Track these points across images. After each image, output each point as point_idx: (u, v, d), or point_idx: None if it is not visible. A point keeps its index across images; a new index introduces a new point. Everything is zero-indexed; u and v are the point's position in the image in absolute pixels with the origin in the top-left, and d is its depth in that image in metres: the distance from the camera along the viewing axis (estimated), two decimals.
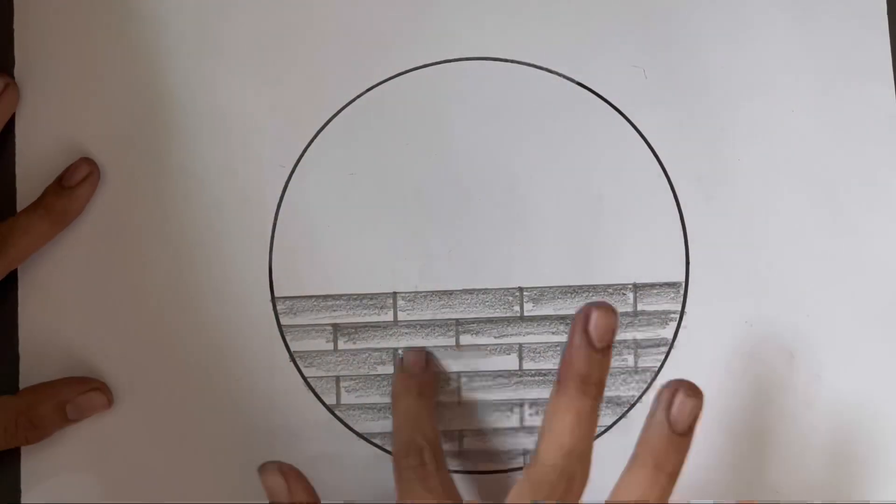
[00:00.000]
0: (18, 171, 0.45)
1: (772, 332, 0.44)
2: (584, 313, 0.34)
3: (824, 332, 0.44)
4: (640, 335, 0.44)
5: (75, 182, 0.43)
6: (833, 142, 0.44)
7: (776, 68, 0.44)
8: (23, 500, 0.44)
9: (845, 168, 0.44)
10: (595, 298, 0.44)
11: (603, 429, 0.44)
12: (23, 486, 0.44)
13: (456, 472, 0.44)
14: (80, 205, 0.43)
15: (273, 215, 0.45)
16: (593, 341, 0.34)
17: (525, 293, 0.44)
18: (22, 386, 0.44)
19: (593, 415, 0.35)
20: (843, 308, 0.44)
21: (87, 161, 0.44)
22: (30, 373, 0.44)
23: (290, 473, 0.37)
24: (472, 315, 0.44)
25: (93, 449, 0.44)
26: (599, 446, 0.44)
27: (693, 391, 0.34)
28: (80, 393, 0.43)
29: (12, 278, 0.44)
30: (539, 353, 0.44)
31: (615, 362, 0.44)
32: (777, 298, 0.44)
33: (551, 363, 0.44)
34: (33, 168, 0.45)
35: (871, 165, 0.44)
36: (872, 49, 0.44)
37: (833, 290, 0.44)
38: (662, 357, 0.44)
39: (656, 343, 0.44)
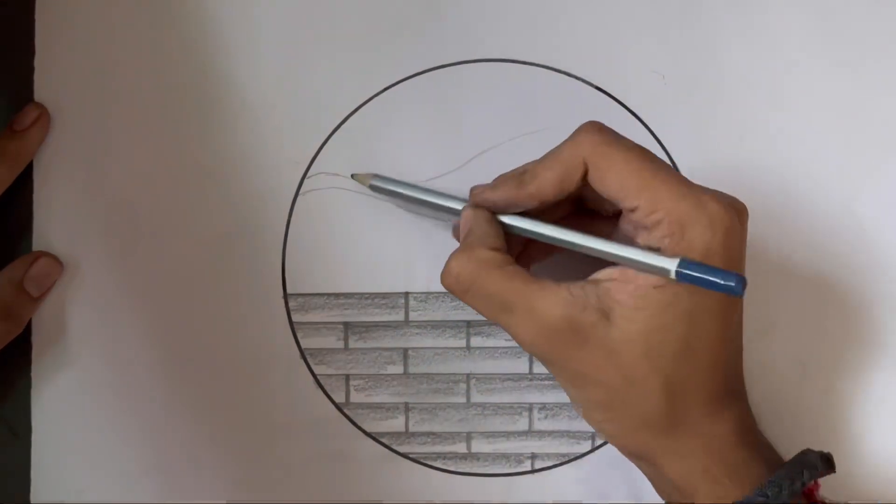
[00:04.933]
0: (36, 162, 0.45)
1: (784, 342, 0.43)
2: None
3: (837, 344, 0.43)
4: None
5: (26, 125, 0.44)
6: (853, 150, 0.44)
7: (794, 72, 0.44)
8: (32, 500, 0.45)
9: (865, 176, 0.44)
10: None
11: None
12: (32, 484, 0.45)
13: (463, 474, 0.44)
14: (32, 147, 0.44)
15: (287, 212, 0.45)
16: None
17: None
18: (34, 386, 0.45)
19: None
20: (857, 318, 0.43)
21: (37, 105, 0.45)
22: (42, 369, 0.45)
23: None
24: None
25: (101, 443, 0.45)
26: (604, 452, 0.44)
27: None
28: (29, 265, 0.43)
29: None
30: None
31: None
32: (790, 308, 0.43)
33: None
34: (52, 160, 0.45)
35: (889, 169, 0.44)
36: (891, 53, 0.44)
37: (848, 300, 0.44)
38: None
39: None
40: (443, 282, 0.37)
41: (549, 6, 0.44)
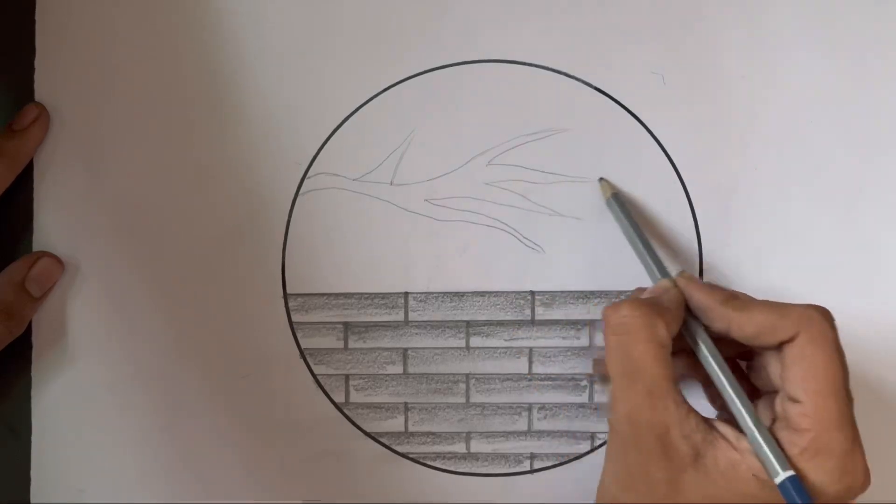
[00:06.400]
0: (36, 162, 0.45)
1: None
2: None
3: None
4: None
5: (25, 125, 0.44)
6: (851, 150, 0.44)
7: (794, 76, 0.44)
8: (31, 500, 0.45)
9: (862, 177, 0.44)
10: (605, 304, 0.44)
11: None
12: (32, 484, 0.45)
13: (462, 474, 0.44)
14: (31, 147, 0.44)
15: (287, 212, 0.45)
16: None
17: (537, 297, 0.44)
18: (34, 386, 0.45)
19: None
20: (858, 317, 0.44)
21: (37, 105, 0.45)
22: (42, 369, 0.45)
23: None
24: (483, 317, 0.44)
25: (100, 443, 0.45)
26: (603, 452, 0.44)
27: None
28: (30, 265, 0.44)
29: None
30: (549, 357, 0.44)
31: None
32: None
33: (561, 367, 0.44)
34: (52, 160, 0.45)
35: (889, 175, 0.44)
36: (892, 58, 0.44)
37: (848, 300, 0.44)
38: None
39: None
40: (605, 310, 0.37)
41: (549, 7, 0.44)
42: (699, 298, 0.38)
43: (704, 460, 0.35)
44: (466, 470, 0.44)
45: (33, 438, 0.45)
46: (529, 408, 0.44)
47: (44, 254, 0.44)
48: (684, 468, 0.35)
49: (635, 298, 0.37)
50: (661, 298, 0.38)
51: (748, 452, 0.35)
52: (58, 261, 0.44)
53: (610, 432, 0.37)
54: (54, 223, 0.45)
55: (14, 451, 0.44)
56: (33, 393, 0.45)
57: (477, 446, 0.44)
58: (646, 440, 0.35)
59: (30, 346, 0.45)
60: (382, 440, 0.44)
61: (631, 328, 0.36)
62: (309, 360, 0.45)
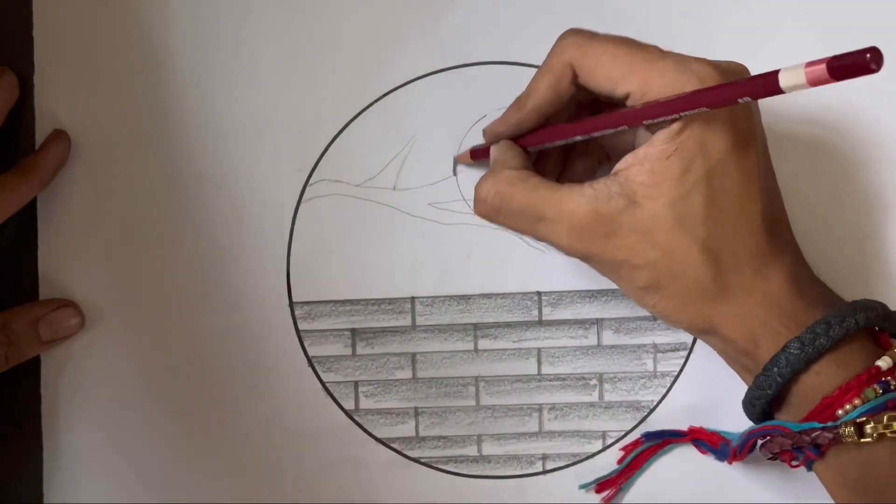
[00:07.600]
0: None
1: None
2: None
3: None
4: (659, 339, 0.44)
5: (45, 142, 0.44)
6: (850, 149, 0.44)
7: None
8: (45, 501, 0.45)
9: (863, 175, 0.44)
10: (613, 302, 0.44)
11: (622, 433, 0.44)
12: (45, 487, 0.45)
13: (475, 477, 0.44)
14: (48, 160, 0.44)
15: (290, 220, 0.45)
16: None
17: (544, 297, 0.44)
18: (44, 391, 0.45)
19: None
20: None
21: (57, 131, 0.44)
22: (50, 373, 0.45)
23: None
24: (491, 319, 0.44)
25: (112, 451, 0.45)
26: (615, 451, 0.44)
27: None
28: (52, 310, 0.43)
29: (34, 286, 0.45)
30: (558, 357, 0.44)
31: (635, 367, 0.44)
32: None
33: (570, 367, 0.44)
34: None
35: (890, 171, 0.44)
36: (890, 58, 0.44)
37: (853, 293, 0.44)
38: (682, 361, 0.44)
39: (675, 347, 0.44)
40: (476, 211, 0.39)
41: (548, 7, 0.44)
42: (506, 128, 0.40)
43: (637, 194, 0.35)
44: (479, 473, 0.44)
45: (45, 442, 0.45)
46: (540, 408, 0.44)
47: (71, 304, 0.44)
48: (635, 212, 0.35)
49: (479, 179, 0.39)
50: (496, 157, 0.40)
51: (648, 152, 0.35)
52: (81, 318, 0.44)
53: (588, 264, 0.38)
54: (59, 235, 0.45)
55: (27, 452, 0.44)
56: (43, 399, 0.45)
57: (489, 449, 0.44)
58: (596, 236, 0.36)
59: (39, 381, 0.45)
60: (394, 446, 0.44)
61: (497, 197, 0.38)
62: (317, 367, 0.44)
